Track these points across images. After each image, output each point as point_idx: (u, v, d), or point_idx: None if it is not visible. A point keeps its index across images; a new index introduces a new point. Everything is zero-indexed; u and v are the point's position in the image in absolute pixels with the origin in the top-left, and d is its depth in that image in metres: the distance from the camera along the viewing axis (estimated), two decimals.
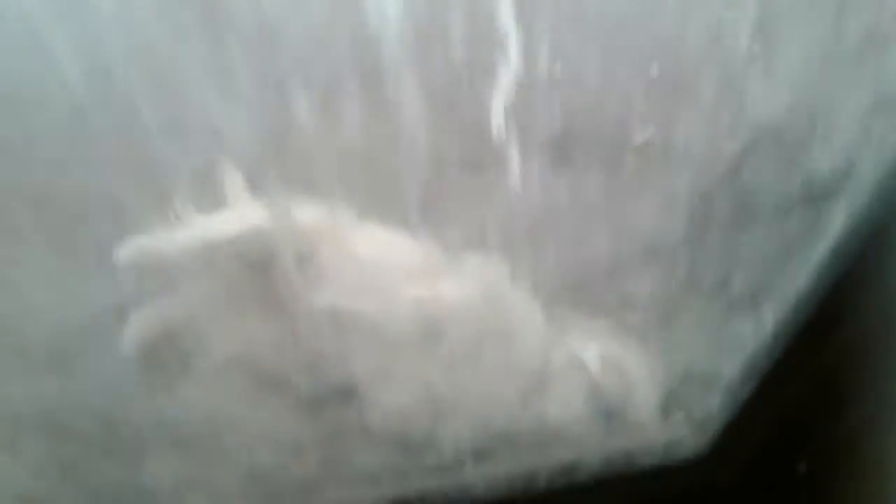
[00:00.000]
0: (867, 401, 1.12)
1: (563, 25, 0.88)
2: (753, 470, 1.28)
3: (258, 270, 1.20)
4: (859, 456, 1.17)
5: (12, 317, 1.09)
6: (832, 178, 0.90)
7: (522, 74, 0.87)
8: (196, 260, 1.21)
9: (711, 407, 1.09)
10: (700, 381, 1.04)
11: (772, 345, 0.96)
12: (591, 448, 1.16)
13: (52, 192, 1.09)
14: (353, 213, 1.27)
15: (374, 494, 1.20)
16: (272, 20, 0.92)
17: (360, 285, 1.21)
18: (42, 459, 1.09)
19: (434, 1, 0.85)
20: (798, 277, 0.86)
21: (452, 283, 1.23)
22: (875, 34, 0.86)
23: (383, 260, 1.25)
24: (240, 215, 1.25)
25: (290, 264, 1.19)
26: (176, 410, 1.10)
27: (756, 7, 0.85)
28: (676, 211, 0.99)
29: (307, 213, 1.27)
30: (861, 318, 1.00)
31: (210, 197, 1.18)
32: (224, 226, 1.25)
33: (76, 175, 1.09)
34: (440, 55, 0.88)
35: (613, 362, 1.27)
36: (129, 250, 1.19)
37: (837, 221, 0.89)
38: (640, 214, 1.03)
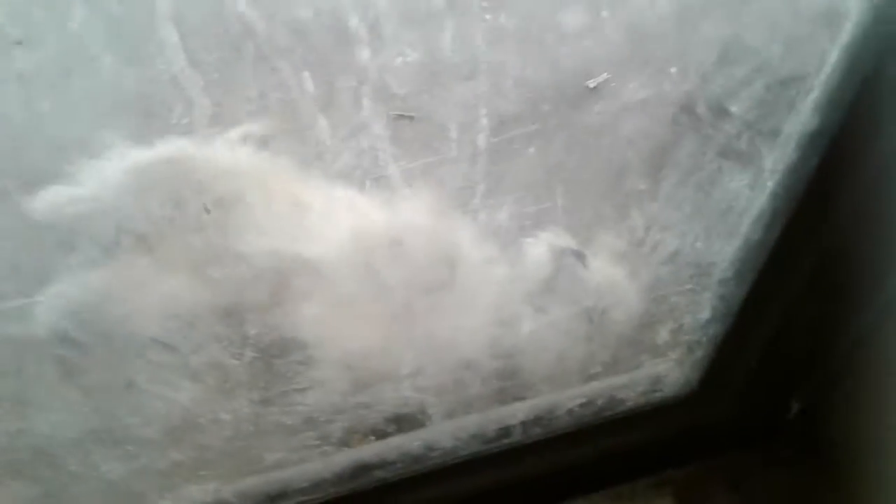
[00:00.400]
0: (860, 328, 1.01)
1: None
2: (744, 409, 1.16)
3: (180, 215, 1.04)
4: (853, 393, 1.09)
5: None
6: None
7: None
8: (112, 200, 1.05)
9: (699, 326, 0.95)
10: (691, 281, 0.90)
11: (763, 237, 0.82)
12: (570, 386, 1.02)
13: None
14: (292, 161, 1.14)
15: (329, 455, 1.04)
16: None
17: (290, 227, 1.06)
18: None
19: None
20: (800, 116, 0.72)
21: (397, 222, 1.09)
22: None
23: (316, 205, 1.11)
24: (163, 148, 1.10)
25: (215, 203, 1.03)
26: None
27: None
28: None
29: (234, 151, 1.14)
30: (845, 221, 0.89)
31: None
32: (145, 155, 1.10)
33: None
34: None
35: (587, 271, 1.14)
36: (43, 202, 1.09)
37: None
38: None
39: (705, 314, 0.93)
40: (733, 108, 0.77)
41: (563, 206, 0.84)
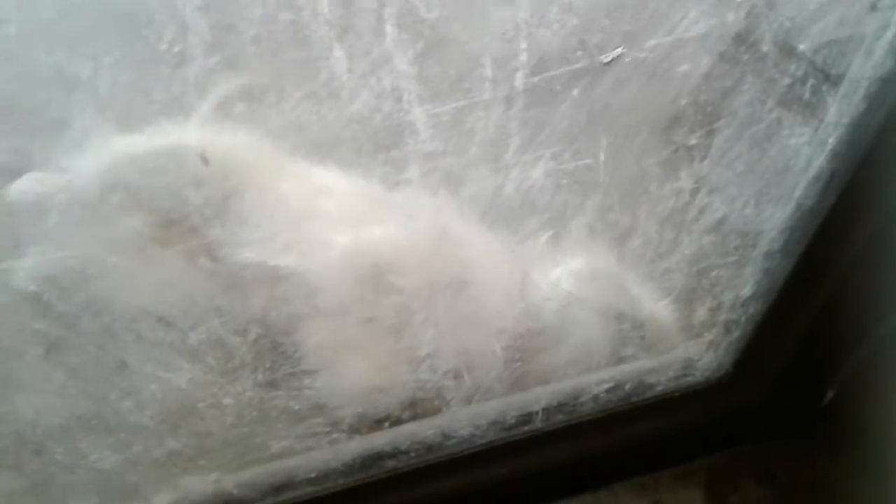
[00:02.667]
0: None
1: None
2: (777, 395, 1.08)
3: (171, 213, 0.95)
4: (888, 382, 1.01)
5: None
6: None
7: None
8: (98, 191, 0.96)
9: (739, 304, 0.86)
10: (735, 252, 0.81)
11: (817, 203, 0.73)
12: (597, 370, 0.93)
13: None
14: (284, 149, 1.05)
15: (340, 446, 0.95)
16: None
17: (285, 236, 0.97)
18: None
19: None
20: (872, 58, 0.63)
21: (390, 226, 1.01)
22: None
23: (311, 204, 1.01)
24: (149, 137, 1.01)
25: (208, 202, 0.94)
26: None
27: None
28: None
29: (231, 141, 1.05)
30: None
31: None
32: (131, 147, 1.01)
33: None
34: None
35: (606, 274, 1.05)
36: (21, 184, 1.00)
37: None
38: None
39: (747, 290, 0.84)
40: (801, 47, 0.68)
41: (605, 162, 0.75)
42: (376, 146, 0.79)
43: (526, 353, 1.02)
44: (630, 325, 1.04)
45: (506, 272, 1.09)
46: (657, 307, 1.06)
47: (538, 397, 0.99)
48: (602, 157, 0.75)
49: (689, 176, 0.74)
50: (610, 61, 0.78)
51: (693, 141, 0.73)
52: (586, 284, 1.08)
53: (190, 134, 1.00)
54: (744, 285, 0.83)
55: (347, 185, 1.13)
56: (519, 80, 0.67)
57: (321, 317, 1.00)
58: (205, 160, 0.89)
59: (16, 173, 0.88)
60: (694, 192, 0.74)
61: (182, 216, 0.89)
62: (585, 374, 0.95)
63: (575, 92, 0.72)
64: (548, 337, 1.06)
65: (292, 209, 1.11)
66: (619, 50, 0.79)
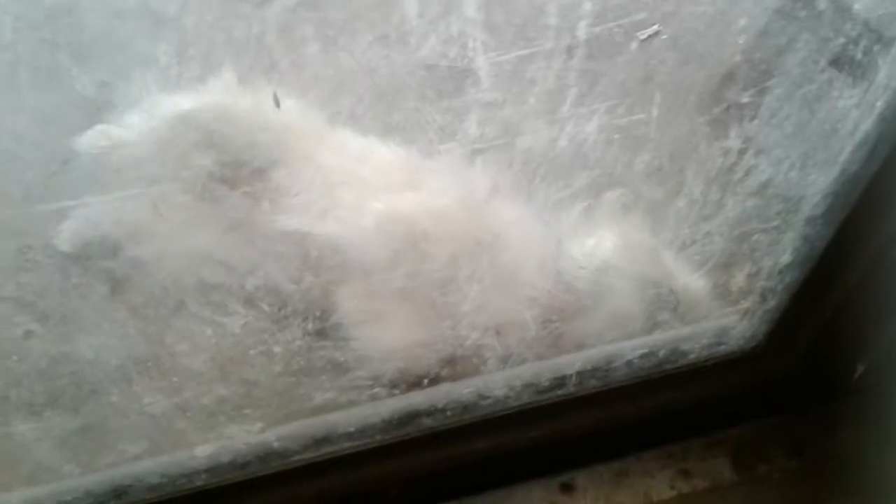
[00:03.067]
0: None
1: None
2: (808, 367, 1.09)
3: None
4: None
5: None
6: None
7: None
8: (152, 143, 0.99)
9: (777, 272, 0.87)
10: (777, 217, 0.82)
11: (861, 169, 0.74)
12: (633, 335, 0.94)
13: None
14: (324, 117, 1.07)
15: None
16: None
17: (325, 204, 0.98)
18: None
19: None
20: None
21: (424, 195, 1.02)
22: None
23: (351, 171, 1.03)
24: (200, 95, 1.04)
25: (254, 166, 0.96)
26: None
27: None
28: None
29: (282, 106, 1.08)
30: None
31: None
32: (183, 103, 1.04)
33: None
34: None
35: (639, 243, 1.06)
36: (88, 136, 1.04)
37: None
38: None
39: (786, 257, 0.85)
40: (857, 6, 0.68)
41: (657, 118, 0.76)
42: (439, 94, 0.81)
43: (561, 318, 1.04)
44: (664, 294, 1.06)
45: (539, 240, 1.10)
46: (692, 278, 1.07)
47: (573, 361, 1.00)
48: (655, 113, 0.76)
49: (738, 135, 0.75)
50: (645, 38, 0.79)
51: (745, 99, 0.74)
52: (621, 254, 1.09)
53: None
54: (783, 252, 0.85)
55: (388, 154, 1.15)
56: (581, 30, 0.68)
57: (364, 273, 1.02)
58: (277, 101, 0.91)
59: (100, 107, 0.90)
60: (741, 153, 0.75)
61: (251, 157, 0.91)
62: (622, 338, 0.96)
63: (634, 44, 0.73)
64: (581, 304, 1.07)
65: (335, 174, 1.13)
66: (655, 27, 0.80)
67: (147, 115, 1.09)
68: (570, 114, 0.75)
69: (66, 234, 1.09)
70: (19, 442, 0.84)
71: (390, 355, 0.97)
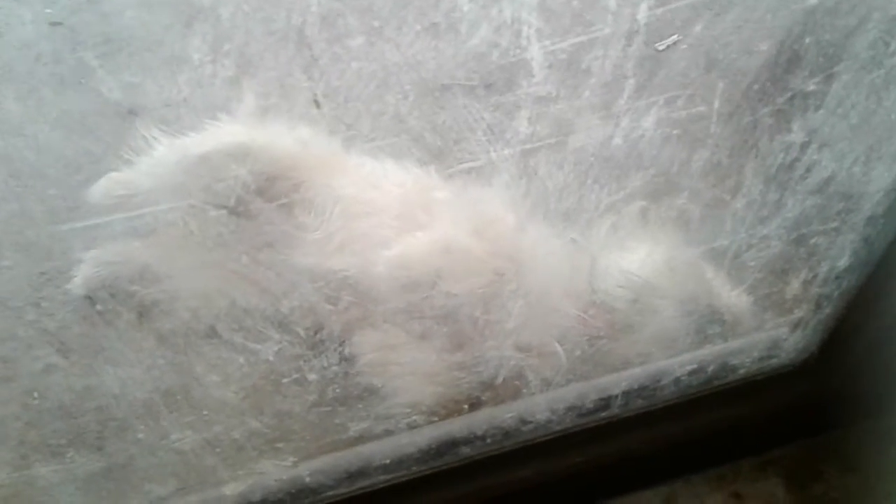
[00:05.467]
0: None
1: None
2: (862, 379, 1.03)
3: (235, 210, 0.95)
4: None
5: None
6: None
7: None
8: (167, 188, 0.96)
9: (834, 277, 0.82)
10: (837, 217, 0.77)
11: None
12: (682, 350, 0.89)
13: None
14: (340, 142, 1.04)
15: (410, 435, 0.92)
16: None
17: (344, 239, 0.95)
18: None
19: None
20: None
21: (444, 228, 1.01)
22: None
23: (370, 201, 1.00)
24: (215, 135, 1.01)
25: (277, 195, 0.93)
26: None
27: None
28: None
29: (292, 136, 1.04)
30: None
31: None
32: (198, 146, 1.01)
33: None
34: None
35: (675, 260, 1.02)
36: (101, 186, 1.04)
37: None
38: None
39: (843, 261, 0.80)
40: None
41: (718, 109, 0.71)
42: (489, 88, 0.77)
43: (599, 338, 0.99)
44: (708, 312, 1.01)
45: (572, 257, 1.06)
46: (735, 293, 1.02)
47: (619, 380, 0.95)
48: (716, 105, 0.71)
49: (802, 128, 0.71)
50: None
51: (811, 87, 0.70)
52: (660, 270, 1.04)
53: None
54: (840, 255, 0.80)
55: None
56: (642, 13, 0.64)
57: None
58: (317, 102, 0.87)
59: (129, 111, 0.86)
60: (804, 147, 0.71)
61: (288, 167, 0.87)
62: (670, 354, 0.91)
63: (698, 27, 0.69)
64: (621, 323, 1.02)
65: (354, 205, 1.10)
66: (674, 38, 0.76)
67: (158, 161, 1.06)
68: (628, 107, 0.71)
69: (80, 279, 1.05)
70: (41, 486, 0.79)
71: (429, 380, 0.91)
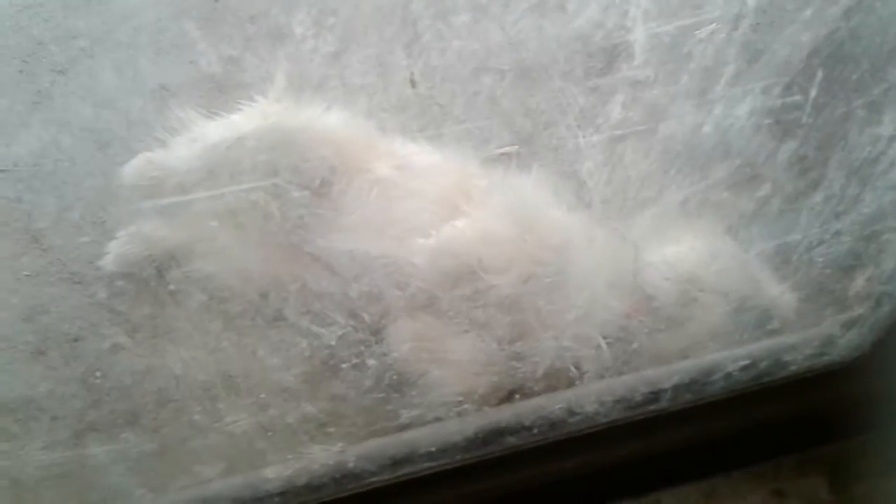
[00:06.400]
0: None
1: None
2: None
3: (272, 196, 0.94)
4: None
5: None
6: None
7: None
8: (211, 168, 0.95)
9: (894, 278, 0.81)
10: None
11: None
12: (738, 343, 0.88)
13: None
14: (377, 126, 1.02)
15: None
16: None
17: (380, 223, 0.93)
18: None
19: None
20: None
21: (482, 215, 0.98)
22: None
23: (406, 185, 0.98)
24: (261, 113, 0.99)
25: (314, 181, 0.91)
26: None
27: None
28: None
29: (331, 119, 1.02)
30: None
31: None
32: (244, 124, 0.99)
33: None
34: None
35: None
36: (132, 166, 1.02)
37: None
38: None
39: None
40: None
41: (815, 99, 0.70)
42: (587, 71, 0.75)
43: (652, 329, 0.97)
44: (755, 309, 1.00)
45: (616, 248, 1.04)
46: (783, 289, 1.00)
47: (670, 374, 0.94)
48: (813, 94, 0.70)
49: (892, 121, 0.69)
50: None
51: None
52: (705, 264, 1.03)
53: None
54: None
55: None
56: None
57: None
58: (413, 81, 0.85)
59: (227, 85, 0.85)
60: (892, 140, 0.69)
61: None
62: (719, 350, 0.90)
63: (808, 12, 0.67)
64: (670, 315, 1.01)
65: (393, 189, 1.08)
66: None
67: (192, 143, 1.04)
68: (724, 94, 0.69)
69: (111, 256, 1.04)
70: (92, 465, 0.78)
71: (483, 369, 0.90)
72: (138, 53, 0.89)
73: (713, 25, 0.72)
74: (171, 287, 0.81)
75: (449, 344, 0.96)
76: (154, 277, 0.85)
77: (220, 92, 0.89)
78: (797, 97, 0.70)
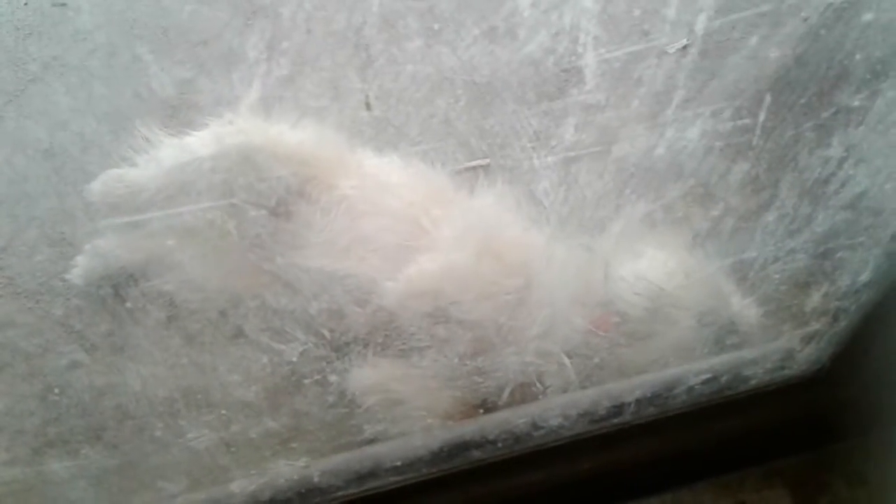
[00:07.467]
0: None
1: None
2: (870, 392, 1.05)
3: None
4: None
5: None
6: None
7: None
8: (171, 188, 0.95)
9: (853, 291, 0.83)
10: (865, 232, 0.77)
11: None
12: (699, 358, 0.90)
13: None
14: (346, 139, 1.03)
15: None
16: None
17: (343, 242, 0.95)
18: None
19: None
20: None
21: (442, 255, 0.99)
22: None
23: (368, 203, 0.99)
24: (217, 135, 0.99)
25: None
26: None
27: None
28: None
29: (298, 135, 1.03)
30: None
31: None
32: (201, 147, 1.00)
33: None
34: None
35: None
36: (101, 182, 1.02)
37: None
38: None
39: (865, 276, 0.81)
40: None
41: (763, 122, 0.72)
42: (539, 95, 0.77)
43: (616, 343, 0.99)
44: (721, 322, 1.01)
45: (586, 264, 1.06)
46: (747, 303, 1.02)
47: (633, 387, 0.96)
48: (762, 117, 0.72)
49: (841, 143, 0.71)
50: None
51: (856, 102, 0.70)
52: (674, 278, 1.05)
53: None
54: (863, 270, 0.81)
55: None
56: (700, 24, 0.64)
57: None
58: (369, 105, 0.86)
59: (182, 107, 0.85)
60: (841, 162, 0.71)
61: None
62: (682, 364, 0.92)
63: (754, 40, 0.69)
64: (635, 330, 1.03)
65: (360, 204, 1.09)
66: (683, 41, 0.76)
67: (151, 162, 1.05)
68: (675, 117, 0.71)
69: (79, 269, 1.04)
70: (53, 481, 0.78)
71: (447, 384, 0.91)
72: (91, 76, 0.90)
73: (672, 46, 0.74)
74: (129, 305, 0.81)
75: (413, 385, 0.97)
76: (111, 296, 0.85)
77: (174, 114, 0.89)
78: (747, 120, 0.72)
